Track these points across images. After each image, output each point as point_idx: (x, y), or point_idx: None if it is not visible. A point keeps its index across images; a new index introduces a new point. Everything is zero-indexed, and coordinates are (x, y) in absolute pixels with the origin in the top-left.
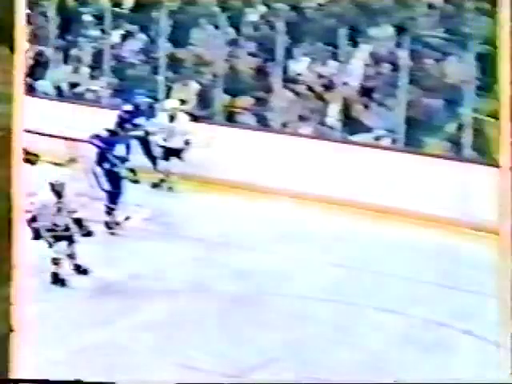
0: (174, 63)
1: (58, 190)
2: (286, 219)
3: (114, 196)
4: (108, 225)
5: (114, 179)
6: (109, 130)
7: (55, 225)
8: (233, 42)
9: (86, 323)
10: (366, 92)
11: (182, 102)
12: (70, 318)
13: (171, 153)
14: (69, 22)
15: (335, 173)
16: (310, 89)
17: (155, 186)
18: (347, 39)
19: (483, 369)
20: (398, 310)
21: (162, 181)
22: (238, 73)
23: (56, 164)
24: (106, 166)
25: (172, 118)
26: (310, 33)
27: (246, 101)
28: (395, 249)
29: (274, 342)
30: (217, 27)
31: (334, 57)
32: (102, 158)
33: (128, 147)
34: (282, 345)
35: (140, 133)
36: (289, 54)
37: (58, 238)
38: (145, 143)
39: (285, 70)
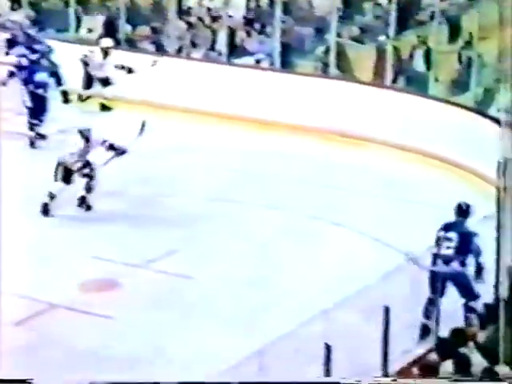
0: None
1: (86, 136)
2: (182, 132)
3: (36, 112)
4: (30, 140)
5: (37, 98)
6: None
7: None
8: None
9: None
10: (247, 22)
11: (90, 30)
12: None
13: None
14: None
15: (223, 91)
16: (201, 20)
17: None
18: None
19: (351, 257)
20: (281, 206)
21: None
22: (138, 7)
23: None
24: (30, 87)
25: (106, 54)
26: None
27: (145, 30)
28: (277, 155)
29: (173, 236)
30: None
31: None
32: (25, 81)
33: (53, 75)
34: (180, 239)
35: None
36: None
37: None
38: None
39: (179, 4)
